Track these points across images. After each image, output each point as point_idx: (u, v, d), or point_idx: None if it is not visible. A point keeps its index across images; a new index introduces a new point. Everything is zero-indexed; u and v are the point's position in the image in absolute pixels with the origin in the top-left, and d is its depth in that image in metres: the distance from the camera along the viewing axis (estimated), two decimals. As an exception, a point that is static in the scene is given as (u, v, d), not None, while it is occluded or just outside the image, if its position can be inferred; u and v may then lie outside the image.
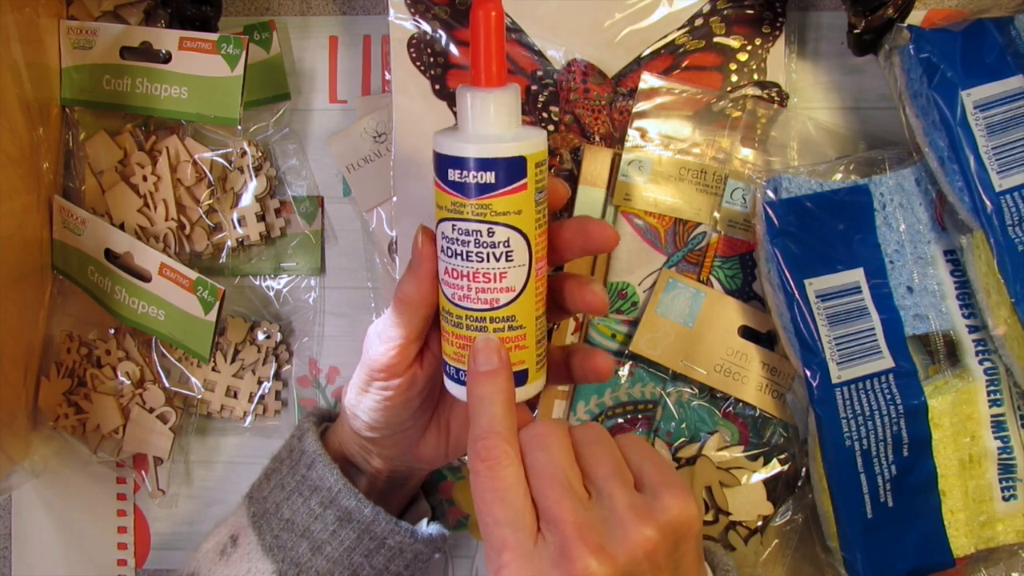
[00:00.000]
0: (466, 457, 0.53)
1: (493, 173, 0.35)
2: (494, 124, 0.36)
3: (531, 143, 0.36)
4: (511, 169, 0.35)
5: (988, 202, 0.45)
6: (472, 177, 0.35)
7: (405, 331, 0.40)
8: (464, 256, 0.36)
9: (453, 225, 0.36)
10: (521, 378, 0.38)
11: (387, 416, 0.43)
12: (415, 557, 0.46)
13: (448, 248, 0.37)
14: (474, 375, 0.37)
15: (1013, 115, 0.45)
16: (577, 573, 0.32)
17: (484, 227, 0.36)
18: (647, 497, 0.34)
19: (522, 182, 0.35)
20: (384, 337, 0.41)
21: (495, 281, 0.36)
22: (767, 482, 0.50)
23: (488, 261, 0.36)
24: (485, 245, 0.36)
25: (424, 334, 0.41)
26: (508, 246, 0.36)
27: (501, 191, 0.35)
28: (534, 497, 0.34)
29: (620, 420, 0.52)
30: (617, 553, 0.33)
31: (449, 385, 0.40)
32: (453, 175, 0.35)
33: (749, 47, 0.52)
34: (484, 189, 0.35)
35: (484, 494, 0.35)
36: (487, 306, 0.37)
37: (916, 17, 0.52)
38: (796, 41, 0.53)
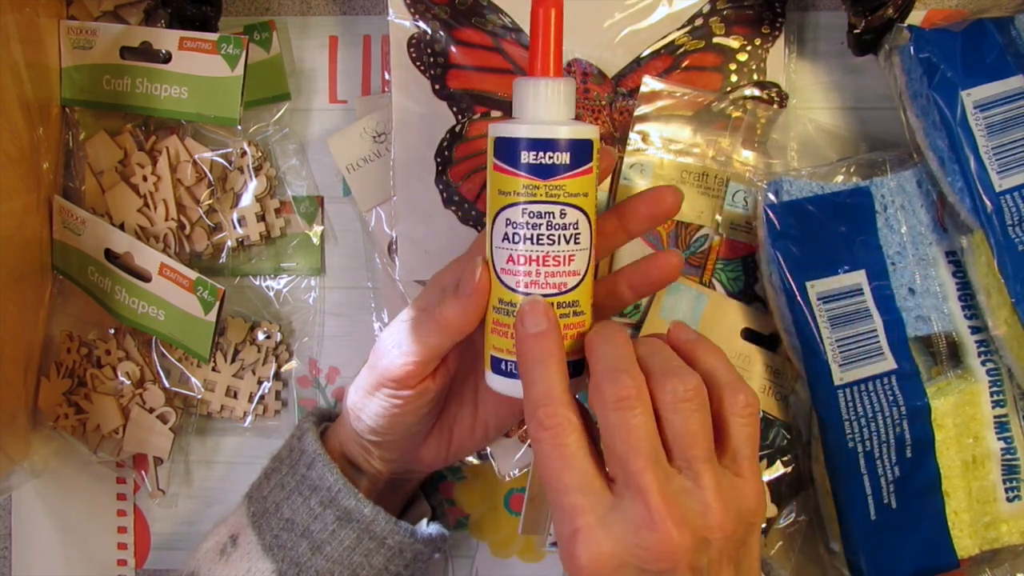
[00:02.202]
0: (469, 459, 0.53)
1: (569, 154, 0.36)
2: (564, 109, 0.37)
3: (595, 128, 0.37)
4: (582, 151, 0.36)
5: (988, 202, 0.45)
6: (550, 157, 0.36)
7: (431, 352, 0.40)
8: (535, 240, 0.37)
9: (524, 209, 0.37)
10: (579, 367, 0.38)
11: (393, 422, 0.43)
12: (415, 557, 0.46)
13: (515, 234, 0.37)
14: (524, 338, 0.37)
15: (1013, 115, 0.45)
16: (661, 541, 0.32)
17: (557, 208, 0.37)
18: (730, 477, 0.34)
19: (590, 165, 0.37)
20: (404, 350, 0.40)
21: (564, 264, 0.37)
22: (771, 484, 0.50)
23: (559, 243, 0.37)
24: (557, 227, 0.37)
25: (445, 351, 0.41)
26: (577, 228, 0.37)
27: (574, 172, 0.36)
28: (616, 461, 0.34)
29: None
30: (698, 527, 0.33)
31: (496, 382, 0.39)
32: (528, 157, 0.36)
33: (749, 47, 0.52)
34: (559, 170, 0.36)
35: (551, 462, 0.34)
36: (555, 290, 0.37)
37: (916, 17, 0.52)
38: (796, 41, 0.53)
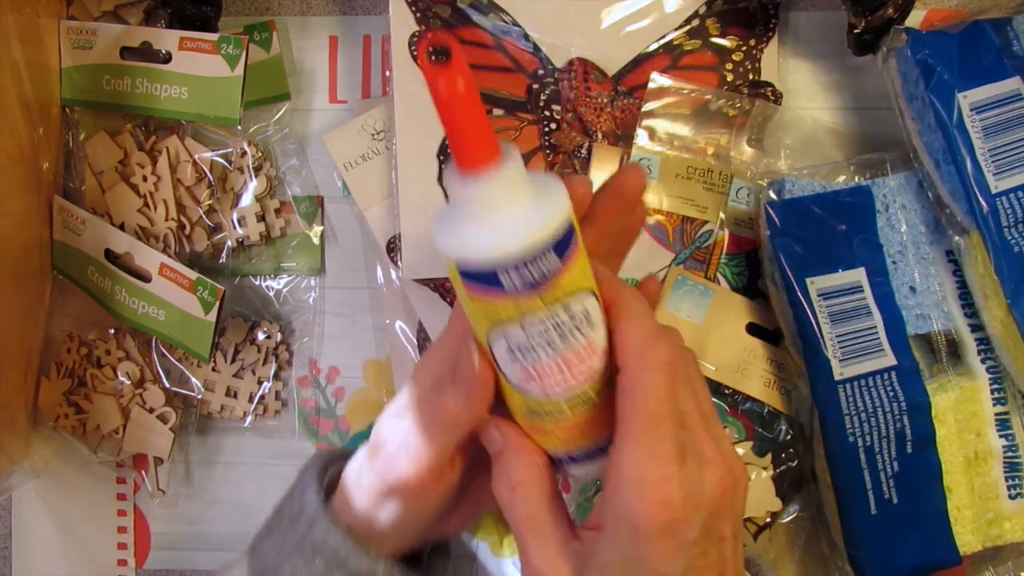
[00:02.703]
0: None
1: (553, 251, 0.30)
2: (524, 195, 0.30)
3: (564, 199, 0.31)
4: (566, 235, 0.30)
5: (984, 204, 0.45)
6: (534, 271, 0.30)
7: (442, 450, 0.36)
8: (548, 348, 0.32)
9: (522, 328, 0.31)
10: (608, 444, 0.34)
11: (414, 522, 0.38)
12: None
13: (523, 353, 0.32)
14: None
15: (1010, 117, 0.46)
16: (723, 478, 0.32)
17: (560, 309, 0.31)
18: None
19: (576, 245, 0.31)
20: (413, 453, 0.36)
21: (586, 353, 0.33)
22: (775, 479, 0.50)
23: (573, 337, 0.32)
24: (565, 326, 0.32)
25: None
26: (586, 312, 0.32)
27: (564, 265, 0.31)
28: (649, 419, 0.32)
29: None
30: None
31: (572, 468, 0.36)
32: (508, 280, 0.30)
33: (744, 47, 0.53)
34: (548, 274, 0.30)
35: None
36: (588, 379, 0.33)
37: (916, 17, 0.52)
38: (793, 41, 0.53)
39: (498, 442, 0.35)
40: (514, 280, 0.30)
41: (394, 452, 0.36)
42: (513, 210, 0.30)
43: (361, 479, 0.38)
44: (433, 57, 0.28)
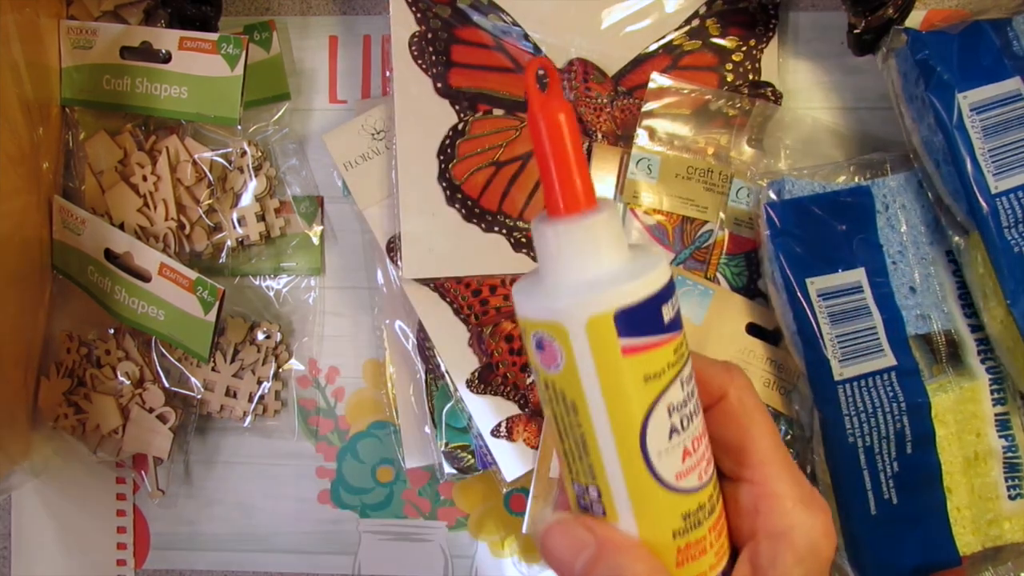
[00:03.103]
0: (472, 466, 0.53)
1: (676, 291, 0.27)
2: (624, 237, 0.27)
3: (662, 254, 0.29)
4: (672, 283, 0.27)
5: (984, 204, 0.45)
6: (676, 302, 0.27)
7: None
8: (695, 407, 0.28)
9: (682, 384, 0.27)
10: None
11: None
12: None
13: (683, 422, 0.27)
14: None
15: (1010, 117, 0.46)
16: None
17: (691, 365, 0.28)
18: None
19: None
20: None
21: (703, 429, 0.29)
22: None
23: (699, 406, 0.28)
24: (694, 388, 0.28)
25: None
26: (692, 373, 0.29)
27: (678, 309, 0.28)
28: None
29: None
30: None
31: None
32: (669, 312, 0.26)
33: (744, 48, 0.53)
34: (680, 309, 0.27)
35: None
36: (710, 475, 0.29)
37: (916, 17, 0.52)
38: (793, 41, 0.53)
39: (589, 544, 0.28)
40: (671, 312, 0.27)
41: None
42: (625, 245, 0.27)
43: None
44: (541, 82, 0.26)
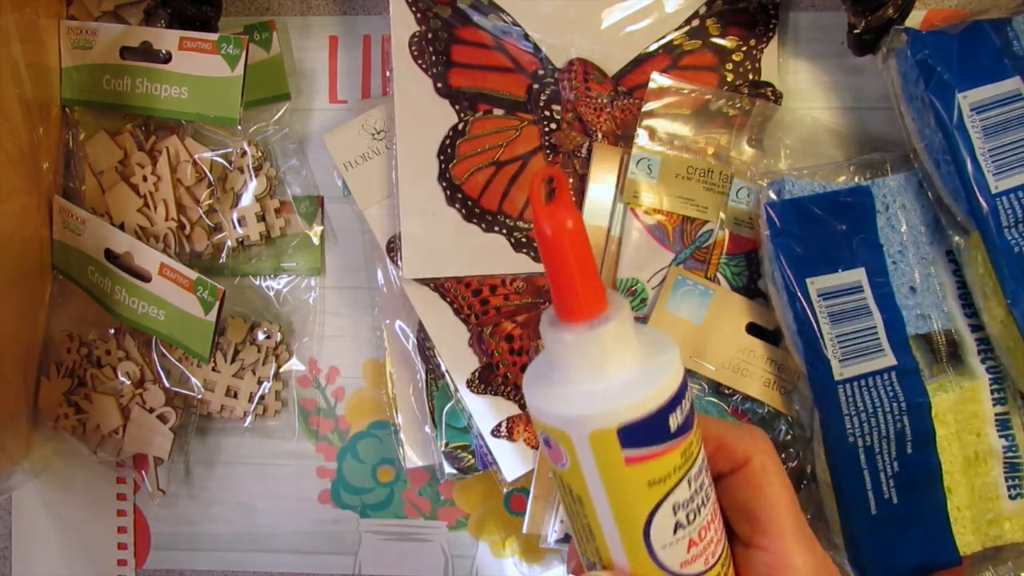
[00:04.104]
0: (472, 466, 0.53)
1: (685, 395, 0.27)
2: (637, 340, 0.27)
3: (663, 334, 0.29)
4: (685, 384, 0.27)
5: (984, 204, 0.45)
6: (687, 405, 0.27)
7: None
8: (704, 498, 0.28)
9: (689, 482, 0.27)
10: None
11: None
12: None
13: (688, 514, 0.28)
14: None
15: (1010, 117, 0.46)
16: None
17: (701, 453, 0.28)
18: None
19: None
20: None
21: (715, 512, 0.30)
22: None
23: (709, 488, 0.29)
24: (705, 480, 0.29)
25: None
26: (705, 460, 0.29)
27: (691, 409, 0.28)
28: None
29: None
30: None
31: None
32: (676, 420, 0.26)
33: (744, 47, 0.53)
34: (693, 406, 0.28)
35: None
36: (718, 555, 0.30)
37: (916, 17, 0.52)
38: (793, 41, 0.53)
39: None
40: (680, 418, 0.27)
41: None
42: (639, 350, 0.27)
43: None
44: (548, 193, 0.26)
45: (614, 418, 0.26)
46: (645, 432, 0.26)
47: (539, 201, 0.26)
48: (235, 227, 0.55)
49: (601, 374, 0.26)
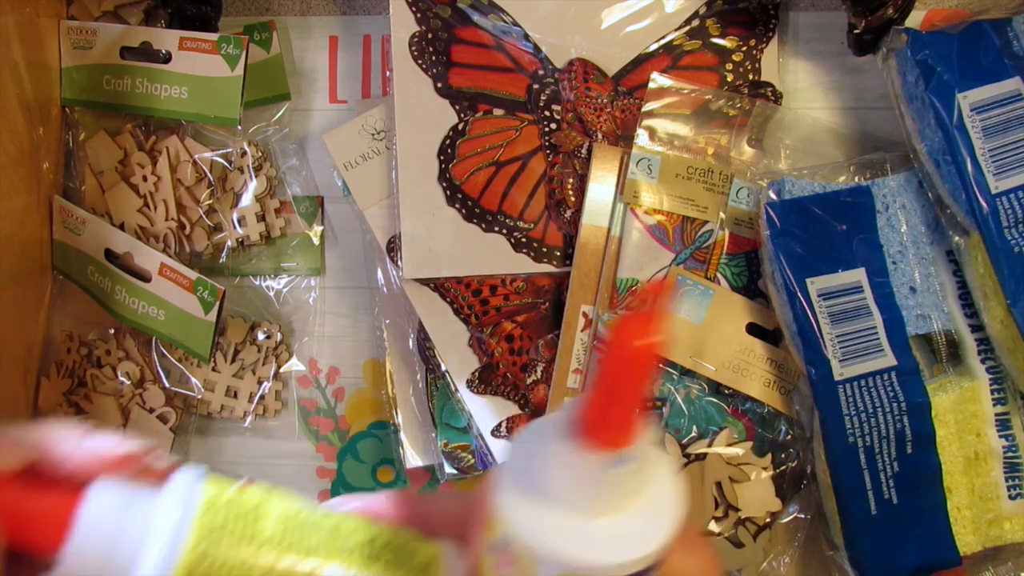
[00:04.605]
0: (464, 455, 0.53)
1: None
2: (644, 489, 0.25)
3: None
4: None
5: (984, 204, 0.45)
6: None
7: None
8: None
9: None
10: None
11: None
12: None
13: None
14: None
15: (1010, 117, 0.46)
16: None
17: None
18: None
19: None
20: None
21: None
22: (775, 478, 0.50)
23: None
24: None
25: None
26: None
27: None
28: None
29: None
30: None
31: None
32: None
33: (744, 48, 0.53)
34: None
35: None
36: None
37: (916, 17, 0.52)
38: (793, 41, 0.53)
39: None
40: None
41: None
42: (644, 498, 0.24)
43: None
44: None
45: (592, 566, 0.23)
46: None
47: (651, 307, 0.22)
48: (235, 227, 0.55)
49: (609, 512, 0.24)
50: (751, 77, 0.53)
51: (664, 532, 0.24)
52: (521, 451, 0.25)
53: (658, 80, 0.52)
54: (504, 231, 0.52)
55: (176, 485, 0.26)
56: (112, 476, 0.26)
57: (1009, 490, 0.47)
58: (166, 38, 0.52)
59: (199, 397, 0.55)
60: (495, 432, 0.52)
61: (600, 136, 0.52)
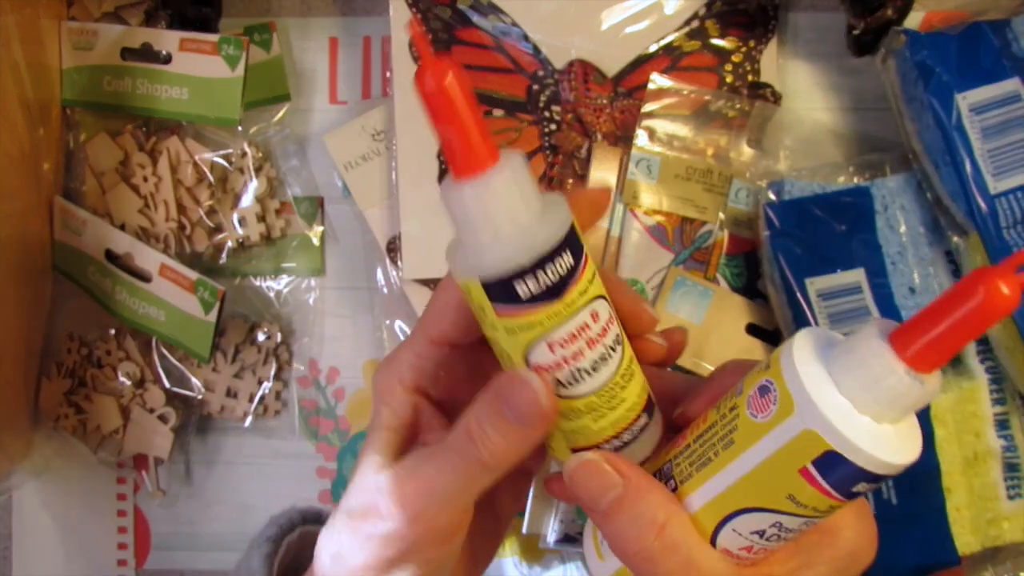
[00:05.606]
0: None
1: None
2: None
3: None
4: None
5: (983, 204, 0.46)
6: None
7: (478, 493, 0.29)
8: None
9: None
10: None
11: None
12: None
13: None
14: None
15: (1008, 118, 0.46)
16: None
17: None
18: None
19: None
20: (439, 501, 0.29)
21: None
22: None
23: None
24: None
25: None
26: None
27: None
28: None
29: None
30: None
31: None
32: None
33: (743, 49, 0.53)
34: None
35: None
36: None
37: (915, 18, 0.52)
38: (793, 42, 0.53)
39: (617, 485, 0.28)
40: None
41: (411, 507, 0.29)
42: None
43: (347, 558, 0.30)
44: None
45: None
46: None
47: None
48: (235, 228, 0.55)
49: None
50: (750, 78, 0.53)
51: (900, 460, 0.26)
52: (820, 334, 0.28)
53: (657, 81, 0.52)
54: (504, 232, 0.52)
55: None
56: None
57: (1008, 490, 0.47)
58: (167, 39, 0.52)
59: (199, 397, 0.55)
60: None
61: (600, 137, 0.52)
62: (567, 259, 0.27)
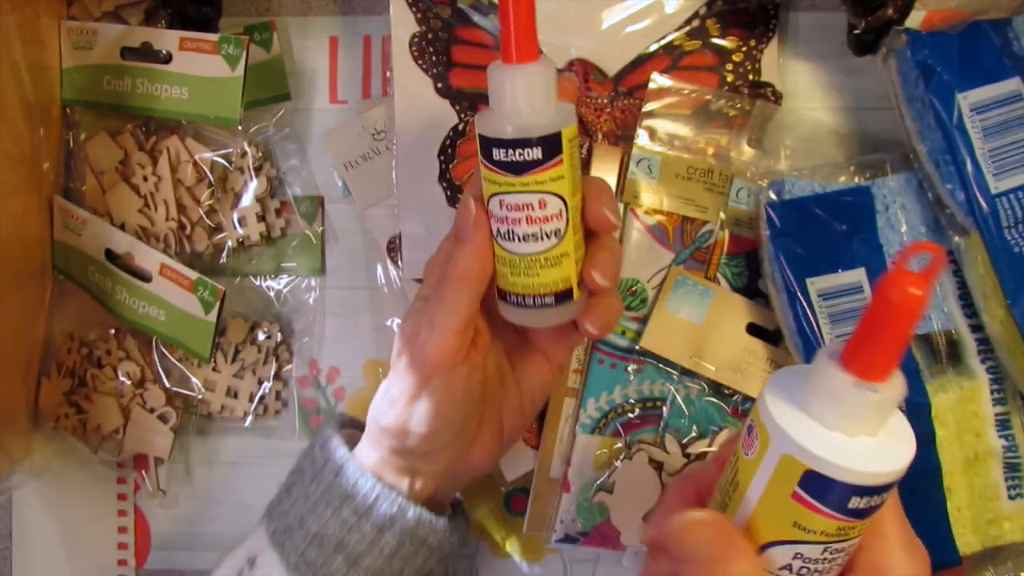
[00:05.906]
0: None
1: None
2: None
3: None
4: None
5: (984, 204, 0.45)
6: (879, 500, 0.30)
7: (464, 312, 0.38)
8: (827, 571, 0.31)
9: (827, 549, 0.30)
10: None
11: (448, 418, 0.40)
12: (450, 550, 0.44)
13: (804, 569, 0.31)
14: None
15: (1010, 117, 0.46)
16: None
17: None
18: None
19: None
20: (438, 325, 0.38)
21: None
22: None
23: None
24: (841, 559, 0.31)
25: (477, 311, 0.39)
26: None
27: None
28: None
29: (630, 415, 0.52)
30: None
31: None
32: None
33: (744, 48, 0.53)
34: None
35: None
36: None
37: (916, 18, 0.52)
38: (793, 41, 0.53)
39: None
40: (861, 503, 0.29)
41: (417, 337, 0.38)
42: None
43: (391, 395, 0.41)
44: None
45: (811, 459, 0.28)
46: (825, 490, 0.28)
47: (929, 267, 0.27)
48: (235, 227, 0.55)
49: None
50: (751, 77, 0.53)
51: (883, 467, 0.28)
52: (791, 370, 0.31)
53: (658, 80, 0.52)
54: (504, 231, 0.52)
55: None
56: None
57: (1009, 490, 0.47)
58: (167, 38, 0.52)
59: (199, 397, 0.55)
60: (495, 432, 0.52)
61: (600, 136, 0.52)
62: (535, 152, 0.35)
